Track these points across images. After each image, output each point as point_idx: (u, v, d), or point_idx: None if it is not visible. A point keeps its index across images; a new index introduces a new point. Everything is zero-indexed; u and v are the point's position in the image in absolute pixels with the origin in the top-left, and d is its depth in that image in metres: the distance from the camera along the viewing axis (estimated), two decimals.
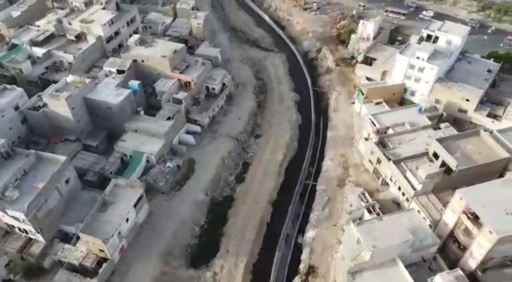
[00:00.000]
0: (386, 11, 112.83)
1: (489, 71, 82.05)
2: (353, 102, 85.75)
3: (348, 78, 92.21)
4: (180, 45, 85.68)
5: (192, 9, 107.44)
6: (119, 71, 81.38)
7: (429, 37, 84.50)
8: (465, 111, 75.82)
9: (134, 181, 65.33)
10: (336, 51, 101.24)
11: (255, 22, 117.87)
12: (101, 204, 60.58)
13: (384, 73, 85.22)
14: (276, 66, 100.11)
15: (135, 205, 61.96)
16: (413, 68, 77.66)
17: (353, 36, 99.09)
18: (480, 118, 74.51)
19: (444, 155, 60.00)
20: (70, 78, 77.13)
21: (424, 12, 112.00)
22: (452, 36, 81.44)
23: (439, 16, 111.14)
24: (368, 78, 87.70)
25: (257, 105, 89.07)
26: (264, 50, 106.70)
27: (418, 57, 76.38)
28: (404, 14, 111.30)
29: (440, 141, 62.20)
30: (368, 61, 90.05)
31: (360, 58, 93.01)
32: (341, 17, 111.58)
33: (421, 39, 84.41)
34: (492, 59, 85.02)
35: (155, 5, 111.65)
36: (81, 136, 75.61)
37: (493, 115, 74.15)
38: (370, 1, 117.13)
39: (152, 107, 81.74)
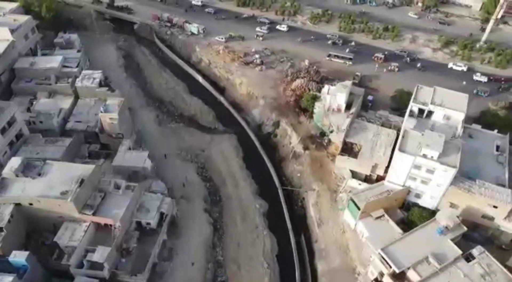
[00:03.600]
0: (329, 55, 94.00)
1: (497, 148, 65.79)
2: (341, 209, 64.68)
3: (324, 168, 70.73)
4: (89, 169, 57.49)
5: (100, 84, 78.96)
6: None
7: (420, 111, 66.57)
8: (492, 218, 58.20)
9: None
10: (299, 124, 79.30)
11: (186, 87, 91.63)
12: None
13: (374, 167, 65.07)
14: (226, 156, 75.65)
15: None
16: (419, 169, 58.22)
17: (317, 105, 77.85)
18: None
19: None
20: None
21: (377, 54, 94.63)
22: (452, 111, 63.78)
23: (397, 58, 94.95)
24: (352, 172, 66.99)
25: (213, 229, 64.10)
26: (206, 131, 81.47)
27: (425, 155, 56.96)
28: (350, 59, 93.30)
29: None
30: (349, 146, 69.32)
31: (335, 137, 72.19)
32: (293, 72, 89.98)
33: (410, 115, 65.83)
34: (496, 131, 69.07)
35: (45, 80, 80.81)
36: None
37: None
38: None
39: (58, 275, 53.42)
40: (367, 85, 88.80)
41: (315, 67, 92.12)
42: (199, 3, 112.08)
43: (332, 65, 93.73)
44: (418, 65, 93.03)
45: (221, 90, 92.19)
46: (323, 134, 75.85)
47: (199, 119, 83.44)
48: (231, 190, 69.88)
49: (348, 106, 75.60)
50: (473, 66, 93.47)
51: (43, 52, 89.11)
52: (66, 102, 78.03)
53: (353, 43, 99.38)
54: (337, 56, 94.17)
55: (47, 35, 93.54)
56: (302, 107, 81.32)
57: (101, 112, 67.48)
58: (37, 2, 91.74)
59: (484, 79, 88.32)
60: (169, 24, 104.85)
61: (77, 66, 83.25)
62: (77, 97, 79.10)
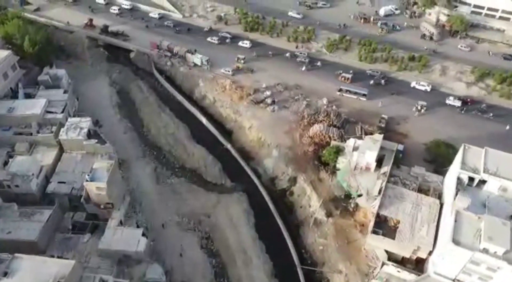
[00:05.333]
0: (340, 90, 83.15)
1: None
2: None
3: (352, 244, 59.53)
4: (68, 266, 45.97)
5: (89, 134, 68.17)
6: None
7: (470, 179, 55.34)
8: None
9: None
10: (320, 182, 67.98)
11: (189, 131, 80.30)
12: None
13: (416, 250, 53.80)
14: (235, 224, 64.41)
15: None
16: (477, 265, 46.97)
17: (341, 160, 66.76)
18: None
19: None
20: None
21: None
22: (509, 182, 52.56)
23: (426, 95, 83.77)
24: (388, 253, 55.70)
25: None
26: (212, 188, 70.18)
27: (486, 250, 45.72)
28: (364, 95, 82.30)
29: None
30: (382, 219, 58.02)
31: (363, 202, 61.06)
32: (310, 114, 78.84)
33: (459, 186, 54.60)
34: None
35: (26, 128, 70.00)
36: None
37: None
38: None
39: None
40: (395, 129, 77.79)
41: (334, 107, 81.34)
42: (208, 29, 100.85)
43: (353, 103, 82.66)
44: (449, 102, 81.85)
45: (228, 133, 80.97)
46: (348, 196, 64.65)
47: (203, 173, 72.16)
48: (242, 270, 58.74)
49: (378, 162, 64.52)
50: None
51: (26, 91, 78.22)
52: (48, 157, 67.40)
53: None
54: (349, 91, 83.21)
55: (31, 70, 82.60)
56: (321, 159, 70.25)
57: (87, 180, 56.35)
58: (19, 34, 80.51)
59: None
60: (169, 54, 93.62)
61: (62, 111, 72.36)
62: (62, 148, 68.33)
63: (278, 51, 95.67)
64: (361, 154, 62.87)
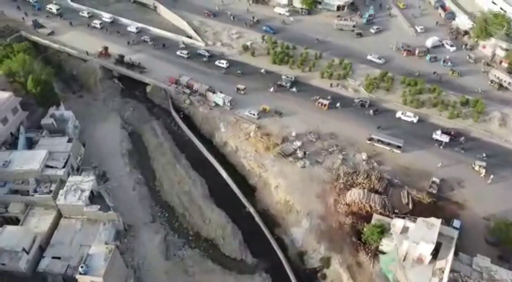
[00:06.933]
0: (371, 139, 72.17)
1: None
2: None
3: None
4: None
5: (91, 198, 59.25)
6: None
7: None
8: None
9: None
10: (359, 267, 56.70)
11: (206, 188, 69.58)
12: None
13: None
14: None
15: None
16: None
17: (386, 243, 55.40)
18: None
19: None
20: None
21: (439, 136, 73.14)
22: None
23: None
24: None
25: None
26: (230, 266, 59.33)
27: None
28: (399, 147, 70.82)
29: None
30: None
31: None
32: (346, 173, 67.64)
33: None
34: None
35: (22, 184, 61.64)
36: None
37: None
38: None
39: None
40: (449, 196, 65.69)
41: (375, 163, 69.99)
42: (224, 65, 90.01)
43: (396, 158, 71.15)
44: None
45: (251, 189, 70.66)
46: None
47: (221, 245, 61.71)
48: None
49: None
50: None
51: (28, 135, 70.15)
52: (45, 222, 59.10)
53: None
54: (381, 141, 71.79)
55: (35, 110, 74.44)
56: (360, 237, 58.98)
57: (80, 273, 47.01)
58: (24, 71, 72.40)
59: None
60: (188, 91, 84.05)
61: (64, 166, 63.63)
62: (59, 216, 59.55)
63: (310, 89, 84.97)
64: (413, 243, 51.27)
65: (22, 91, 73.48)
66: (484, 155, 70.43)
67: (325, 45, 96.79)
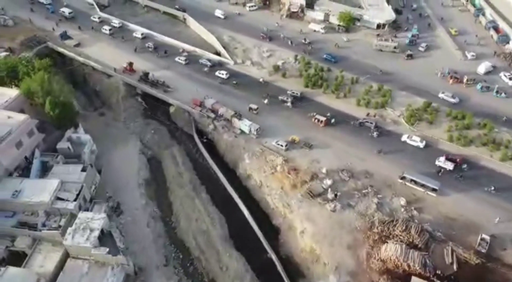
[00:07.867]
0: (403, 178, 64.93)
1: None
2: None
3: None
4: None
5: (101, 238, 54.81)
6: None
7: None
8: None
9: None
10: None
11: (226, 229, 63.84)
12: None
13: None
14: None
15: None
16: None
17: None
18: None
19: None
20: None
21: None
22: None
23: None
24: None
25: None
26: None
27: None
28: (434, 190, 63.14)
29: None
30: None
31: None
32: (382, 222, 60.36)
33: None
34: None
35: (32, 216, 57.94)
36: None
37: None
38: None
39: None
40: (500, 257, 57.20)
41: (415, 211, 62.34)
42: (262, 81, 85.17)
43: (438, 205, 63.17)
44: None
45: (275, 231, 64.55)
46: None
47: None
48: None
49: None
50: None
51: (43, 159, 66.81)
52: (51, 260, 55.10)
53: None
54: (415, 182, 64.09)
55: (51, 132, 71.07)
56: None
57: None
58: (42, 91, 69.05)
59: None
60: (213, 115, 78.81)
61: (76, 198, 59.57)
62: (66, 256, 55.42)
63: (343, 118, 78.00)
64: None
65: (41, 112, 70.18)
66: None
67: (363, 67, 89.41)
